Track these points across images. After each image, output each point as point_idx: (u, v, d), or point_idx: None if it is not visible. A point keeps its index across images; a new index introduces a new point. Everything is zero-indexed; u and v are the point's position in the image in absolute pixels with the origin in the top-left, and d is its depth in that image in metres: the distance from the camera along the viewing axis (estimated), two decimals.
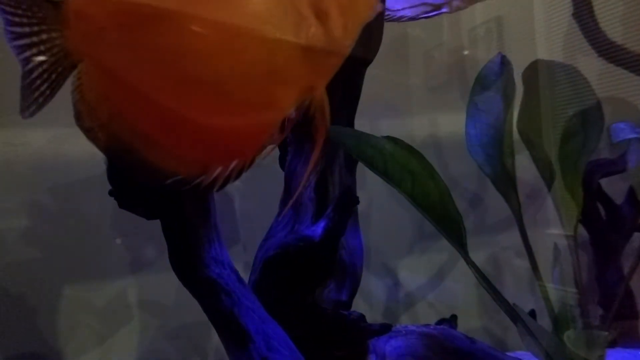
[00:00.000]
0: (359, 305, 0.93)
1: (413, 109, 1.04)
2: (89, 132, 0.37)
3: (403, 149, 0.57)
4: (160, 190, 0.44)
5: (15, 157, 0.83)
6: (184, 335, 0.90)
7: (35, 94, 0.36)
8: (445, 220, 0.58)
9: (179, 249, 0.45)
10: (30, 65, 0.36)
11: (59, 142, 0.84)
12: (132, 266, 0.90)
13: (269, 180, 0.92)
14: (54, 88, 0.37)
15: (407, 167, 0.57)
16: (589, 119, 0.55)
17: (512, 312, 0.57)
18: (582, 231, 1.00)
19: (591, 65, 0.61)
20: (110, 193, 0.45)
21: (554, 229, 0.90)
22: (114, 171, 0.42)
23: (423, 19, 1.03)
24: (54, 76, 0.36)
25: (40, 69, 0.36)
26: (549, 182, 0.58)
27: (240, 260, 0.88)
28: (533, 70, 0.58)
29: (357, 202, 0.64)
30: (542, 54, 0.81)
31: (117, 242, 0.88)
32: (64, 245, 0.85)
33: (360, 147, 0.57)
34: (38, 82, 0.36)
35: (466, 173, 1.00)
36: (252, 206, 0.95)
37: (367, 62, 0.68)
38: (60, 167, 0.85)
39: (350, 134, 0.60)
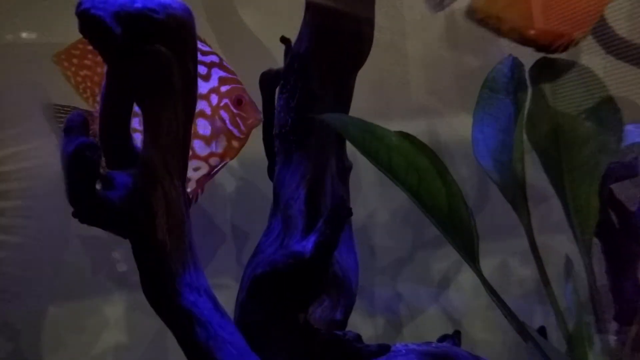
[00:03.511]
0: (357, 319, 0.90)
1: (412, 112, 1.01)
2: (481, 22, 0.55)
3: (411, 143, 0.53)
4: (127, 208, 0.41)
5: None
6: (174, 353, 0.86)
7: None
8: (454, 226, 0.54)
9: (150, 274, 0.41)
10: None
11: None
12: (119, 282, 0.86)
13: (262, 189, 0.89)
14: None
15: (413, 163, 0.53)
16: (604, 121, 0.50)
17: (523, 330, 0.53)
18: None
19: (598, 63, 0.57)
20: (74, 215, 0.40)
21: (562, 240, 0.86)
22: (76, 189, 0.38)
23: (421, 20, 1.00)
24: None
25: None
26: (561, 191, 0.54)
27: (233, 274, 0.85)
28: (540, 68, 0.54)
29: (350, 214, 0.59)
30: None
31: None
32: (46, 262, 0.82)
33: (365, 138, 0.53)
34: None
35: (467, 179, 0.97)
36: (244, 216, 0.91)
37: (358, 65, 0.64)
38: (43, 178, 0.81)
39: (354, 123, 0.56)
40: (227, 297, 0.57)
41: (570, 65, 0.53)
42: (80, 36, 0.41)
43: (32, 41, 0.77)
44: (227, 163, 0.67)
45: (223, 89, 0.65)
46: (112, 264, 0.85)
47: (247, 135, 0.67)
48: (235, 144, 0.66)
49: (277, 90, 0.66)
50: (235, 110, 0.65)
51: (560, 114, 0.53)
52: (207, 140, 0.65)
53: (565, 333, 0.53)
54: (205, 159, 0.65)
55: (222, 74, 0.65)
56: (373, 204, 0.96)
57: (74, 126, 0.36)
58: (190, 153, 0.65)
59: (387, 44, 0.97)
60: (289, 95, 0.63)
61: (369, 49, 0.63)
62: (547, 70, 0.53)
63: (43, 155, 0.77)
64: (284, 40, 0.65)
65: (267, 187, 0.67)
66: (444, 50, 1.02)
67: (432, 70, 1.01)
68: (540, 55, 0.57)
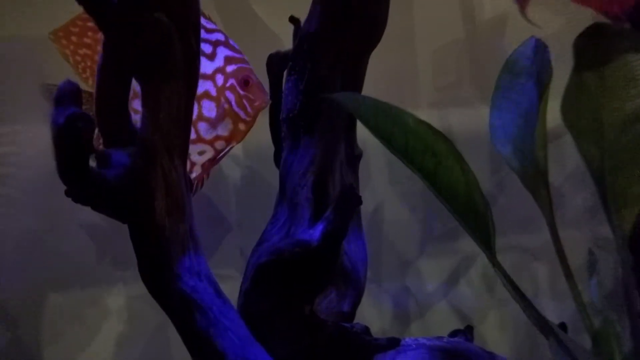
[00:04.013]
0: (365, 313, 0.87)
1: (422, 104, 0.98)
2: None
3: (428, 126, 0.50)
4: (124, 187, 0.38)
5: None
6: (176, 345, 0.84)
7: None
8: (471, 214, 0.50)
9: (148, 258, 0.39)
10: None
11: None
12: (120, 272, 0.84)
13: (268, 179, 0.86)
14: None
15: (431, 147, 0.49)
16: None
17: (544, 325, 0.50)
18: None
19: None
20: (67, 193, 0.38)
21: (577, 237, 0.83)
22: (67, 164, 0.36)
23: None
24: None
25: None
26: (598, 175, 0.50)
27: (237, 265, 0.83)
28: (589, 37, 0.49)
29: (360, 202, 0.57)
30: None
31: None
32: (46, 250, 0.80)
33: (378, 119, 0.50)
34: None
35: (479, 172, 0.94)
36: (249, 205, 0.88)
37: (371, 46, 0.61)
38: (44, 167, 0.79)
39: (367, 102, 0.52)
40: (231, 288, 0.55)
41: (624, 34, 0.49)
42: (79, 11, 0.38)
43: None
44: (233, 147, 0.64)
45: (229, 69, 0.62)
46: (114, 253, 0.83)
47: (254, 117, 0.64)
48: (241, 127, 0.63)
49: (285, 73, 0.64)
50: (241, 92, 0.62)
51: (607, 89, 0.49)
52: (213, 123, 0.62)
53: (590, 330, 0.49)
54: (211, 143, 0.63)
55: (228, 53, 0.62)
56: (382, 195, 0.93)
57: (65, 96, 0.34)
58: (195, 136, 0.62)
59: (400, 32, 0.94)
60: (298, 78, 0.61)
61: (383, 30, 0.60)
62: (598, 40, 0.49)
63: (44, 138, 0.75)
64: (293, 20, 0.62)
65: (273, 175, 0.64)
66: (458, 39, 0.99)
67: (445, 59, 0.98)
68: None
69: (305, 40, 0.60)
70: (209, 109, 0.62)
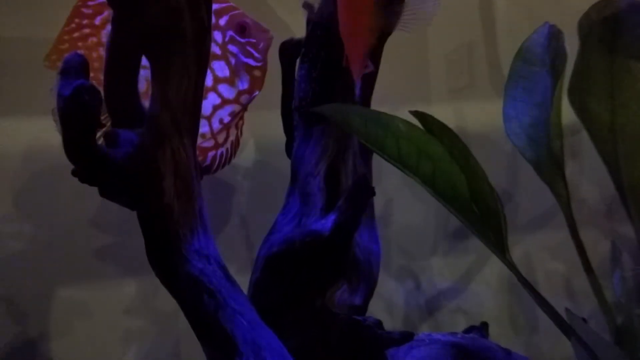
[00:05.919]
0: (376, 310, 0.86)
1: (434, 98, 0.97)
2: None
3: (422, 128, 0.48)
4: (132, 167, 0.37)
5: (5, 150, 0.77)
6: (185, 340, 0.83)
7: None
8: (479, 212, 0.49)
9: (155, 240, 0.37)
10: None
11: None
12: (129, 267, 0.83)
13: (279, 170, 0.85)
14: None
15: (425, 150, 0.48)
16: None
17: (563, 323, 0.48)
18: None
19: None
20: (74, 173, 0.37)
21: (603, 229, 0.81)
22: (74, 138, 0.35)
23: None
24: None
25: None
26: (613, 165, 0.48)
27: (246, 259, 0.82)
28: (597, 13, 0.48)
29: (373, 193, 0.55)
30: None
31: None
32: (56, 244, 0.79)
33: (369, 128, 0.48)
34: None
35: (493, 167, 0.93)
36: (260, 198, 0.87)
37: (386, 34, 0.60)
38: (53, 161, 0.78)
39: (356, 112, 0.51)
40: (240, 282, 0.53)
41: (636, 7, 0.46)
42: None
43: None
44: (257, 95, 0.63)
45: (222, 22, 0.60)
46: (123, 246, 0.82)
47: (265, 59, 0.62)
48: (257, 73, 0.61)
49: (297, 61, 0.62)
50: (242, 40, 0.60)
51: (617, 70, 0.47)
52: (231, 81, 0.61)
53: (612, 326, 0.47)
54: (236, 101, 0.61)
55: (214, 6, 0.61)
56: (394, 191, 0.92)
57: (71, 67, 0.33)
58: (220, 100, 0.61)
59: (415, 29, 0.93)
60: (311, 65, 0.59)
61: (399, 15, 0.59)
62: (605, 17, 0.47)
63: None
64: (307, 6, 0.61)
65: (283, 165, 0.63)
66: (473, 37, 0.97)
67: (460, 56, 0.97)
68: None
69: (319, 26, 0.59)
70: (221, 69, 0.60)
